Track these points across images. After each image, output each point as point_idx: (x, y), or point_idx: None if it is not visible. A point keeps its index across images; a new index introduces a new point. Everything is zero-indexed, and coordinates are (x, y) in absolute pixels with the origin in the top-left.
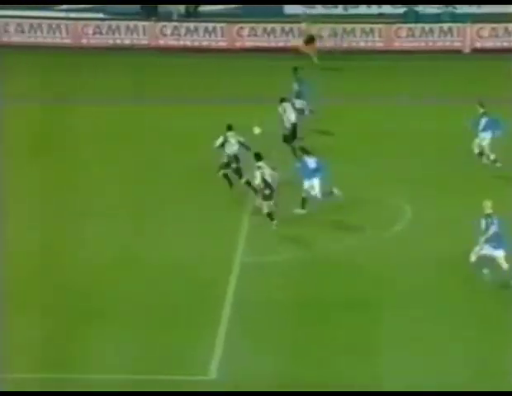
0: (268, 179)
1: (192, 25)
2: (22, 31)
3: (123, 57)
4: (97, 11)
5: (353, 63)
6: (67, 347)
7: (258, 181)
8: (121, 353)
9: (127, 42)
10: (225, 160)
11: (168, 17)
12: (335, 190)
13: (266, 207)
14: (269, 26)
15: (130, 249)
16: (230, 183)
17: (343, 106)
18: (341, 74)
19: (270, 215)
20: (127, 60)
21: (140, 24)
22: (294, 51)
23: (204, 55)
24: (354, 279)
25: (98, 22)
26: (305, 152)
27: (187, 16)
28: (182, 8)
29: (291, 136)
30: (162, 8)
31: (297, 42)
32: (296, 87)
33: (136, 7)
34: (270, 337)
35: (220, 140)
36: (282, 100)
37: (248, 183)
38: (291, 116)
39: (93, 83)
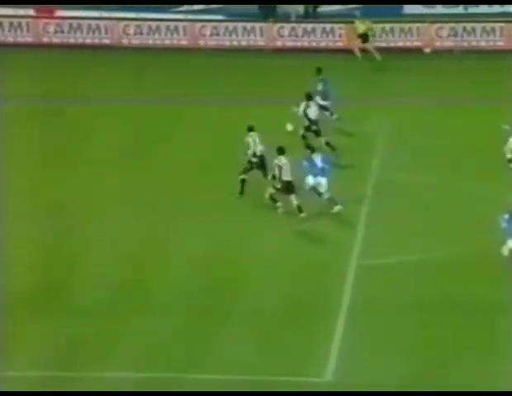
0: (284, 176)
1: (309, 26)
2: (141, 33)
3: (239, 58)
4: (215, 12)
5: (473, 62)
6: (186, 347)
7: (275, 172)
8: (239, 354)
9: (244, 43)
10: (250, 160)
11: (286, 18)
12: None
13: (294, 200)
14: (388, 26)
15: (249, 251)
16: (242, 191)
17: (465, 107)
18: (461, 74)
19: (299, 208)
20: (243, 62)
21: (258, 25)
22: (364, 50)
23: (321, 56)
24: (474, 280)
25: (216, 24)
26: (312, 150)
27: (305, 17)
28: (300, 9)
29: (311, 131)
30: (280, 9)
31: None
32: (320, 87)
33: (254, 9)
34: (385, 339)
35: (250, 142)
36: (308, 96)
37: (274, 177)
38: (314, 113)
39: (209, 85)
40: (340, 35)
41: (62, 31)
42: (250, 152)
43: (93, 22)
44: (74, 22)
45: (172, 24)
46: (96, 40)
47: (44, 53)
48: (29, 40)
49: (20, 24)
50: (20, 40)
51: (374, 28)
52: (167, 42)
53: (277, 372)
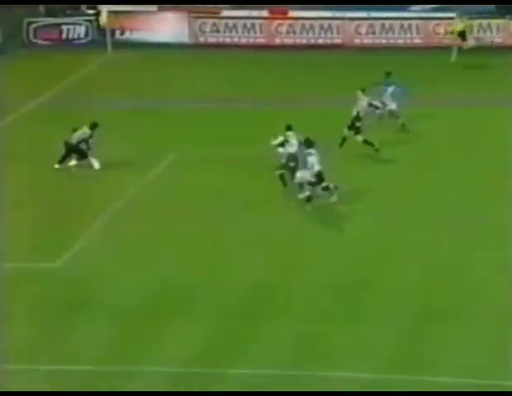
0: (315, 167)
1: None
2: (374, 33)
3: (476, 57)
4: (449, 10)
5: None
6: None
7: (309, 167)
8: (466, 357)
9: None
10: (284, 159)
11: None
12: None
13: (308, 190)
14: None
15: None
16: (285, 183)
17: None
18: None
19: (309, 199)
20: (480, 60)
21: (494, 22)
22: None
23: None
24: None
25: (450, 22)
26: (309, 143)
27: None
28: None
29: (352, 125)
30: None
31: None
32: (388, 90)
33: (491, 6)
34: None
35: (279, 139)
36: (362, 90)
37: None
38: (363, 111)
39: (448, 84)
40: None
41: (294, 32)
42: (284, 150)
43: (325, 22)
44: (307, 23)
45: (405, 22)
46: (328, 40)
47: (276, 53)
48: (261, 40)
49: (253, 25)
50: (251, 41)
51: (472, 25)
52: (400, 41)
53: (483, 375)
